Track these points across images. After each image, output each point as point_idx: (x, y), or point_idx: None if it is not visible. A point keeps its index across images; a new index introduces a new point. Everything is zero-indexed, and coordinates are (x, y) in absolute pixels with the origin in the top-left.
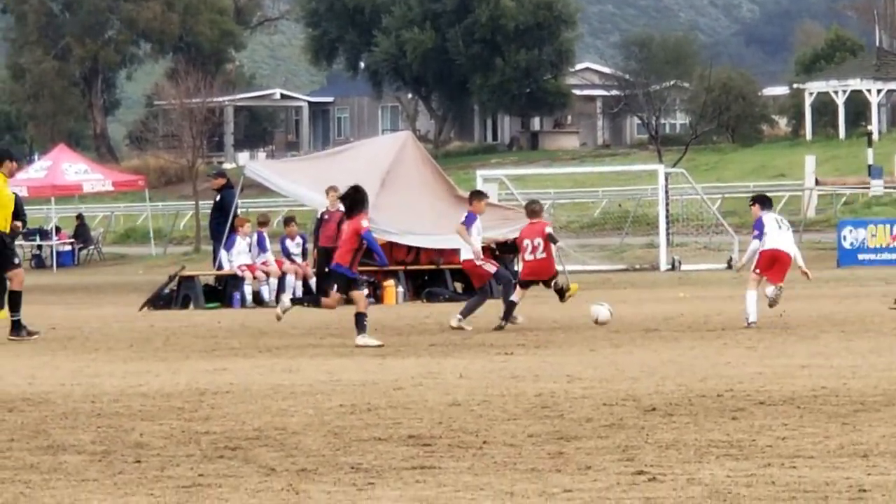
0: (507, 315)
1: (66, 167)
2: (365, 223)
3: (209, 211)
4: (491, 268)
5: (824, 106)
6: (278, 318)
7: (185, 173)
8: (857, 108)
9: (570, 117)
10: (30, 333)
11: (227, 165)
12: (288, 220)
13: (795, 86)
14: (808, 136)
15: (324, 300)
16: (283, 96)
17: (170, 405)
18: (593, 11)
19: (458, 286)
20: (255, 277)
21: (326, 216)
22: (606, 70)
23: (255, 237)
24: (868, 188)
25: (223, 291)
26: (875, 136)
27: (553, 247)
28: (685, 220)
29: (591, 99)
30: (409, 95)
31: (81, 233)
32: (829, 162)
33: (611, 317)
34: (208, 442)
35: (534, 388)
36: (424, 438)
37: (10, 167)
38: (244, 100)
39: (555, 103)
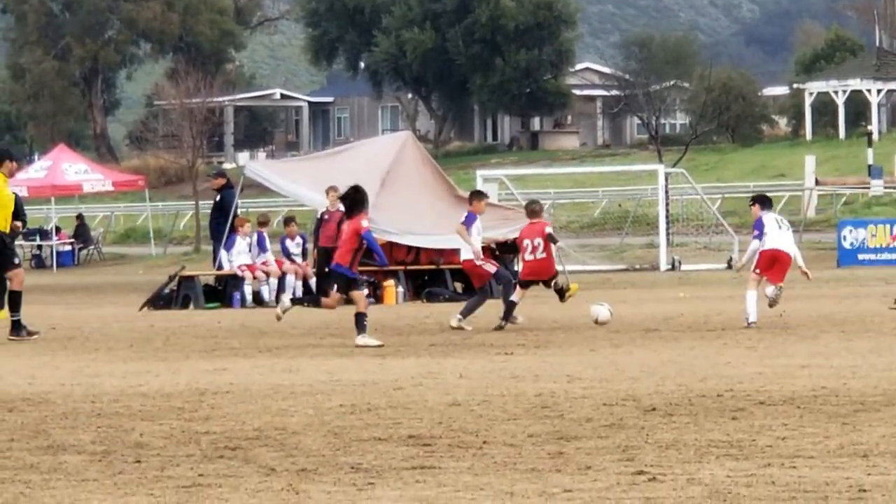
0: (507, 315)
1: (66, 167)
2: (365, 223)
3: (209, 211)
4: (491, 268)
5: (824, 106)
6: (278, 318)
7: (185, 173)
8: (857, 108)
9: (570, 117)
10: (30, 333)
11: (227, 165)
12: (288, 220)
13: (795, 86)
14: (808, 136)
15: (324, 300)
16: (283, 96)
17: (170, 405)
18: (593, 11)
19: (458, 286)
20: (255, 277)
21: (326, 216)
22: (606, 70)
23: (255, 237)
24: (868, 188)
25: (223, 291)
26: (875, 136)
27: (553, 247)
28: (685, 220)
29: (591, 99)
30: (409, 95)
31: (81, 233)
32: (829, 162)
33: (611, 317)
34: (208, 442)
35: (534, 388)
36: (424, 438)
37: (10, 167)
38: (244, 100)
39: (555, 103)
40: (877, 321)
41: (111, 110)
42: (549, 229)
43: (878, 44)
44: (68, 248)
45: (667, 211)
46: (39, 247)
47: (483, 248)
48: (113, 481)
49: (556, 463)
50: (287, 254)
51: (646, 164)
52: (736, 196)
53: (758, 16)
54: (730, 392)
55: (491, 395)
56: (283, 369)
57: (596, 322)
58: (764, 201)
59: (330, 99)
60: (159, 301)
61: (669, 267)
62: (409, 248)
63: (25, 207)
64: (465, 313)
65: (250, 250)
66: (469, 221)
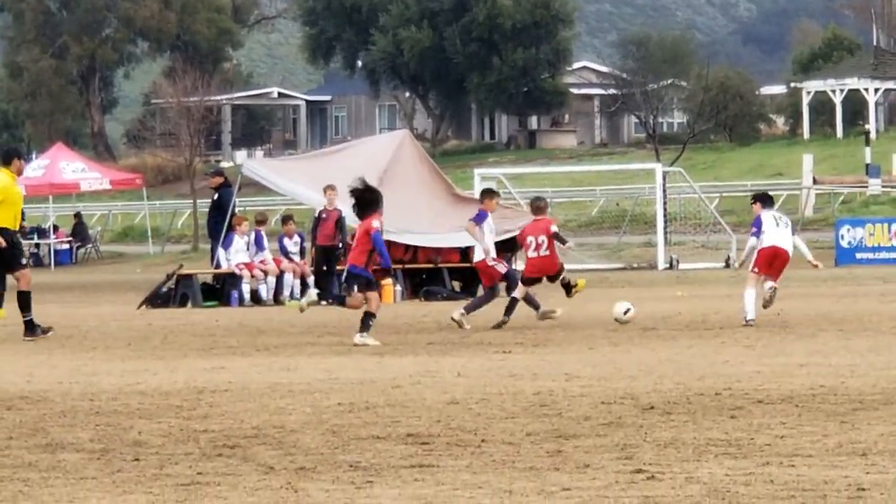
0: (509, 311)
1: (64, 166)
2: (376, 223)
3: (207, 209)
4: (502, 268)
5: (822, 105)
6: (301, 310)
7: (183, 172)
8: (855, 106)
9: (567, 116)
10: (44, 331)
11: (224, 164)
12: (286, 219)
13: (793, 85)
14: (806, 135)
15: (348, 301)
16: (280, 95)
17: (168, 403)
18: (590, 10)
19: (456, 285)
20: (252, 276)
21: (324, 215)
22: (604, 69)
23: (252, 236)
24: (866, 187)
25: (221, 290)
26: (872, 135)
27: (557, 244)
28: (683, 218)
29: (589, 98)
30: (407, 94)
31: (79, 231)
32: (827, 161)
33: (630, 316)
34: (207, 440)
35: (532, 387)
36: (423, 437)
37: (18, 165)
38: (242, 98)
39: (552, 102)
40: (875, 320)
41: (109, 109)
42: (554, 228)
43: (875, 43)
44: (66, 246)
45: (664, 210)
46: (37, 245)
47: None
48: (111, 479)
49: (555, 461)
50: (285, 252)
51: (643, 163)
52: (733, 195)
53: (755, 15)
54: (728, 390)
55: (489, 393)
56: (282, 368)
57: (618, 321)
58: (765, 199)
59: (327, 97)
60: (157, 299)
61: (667, 266)
62: (407, 246)
63: (23, 206)
64: (470, 309)
65: (248, 249)
66: (480, 219)
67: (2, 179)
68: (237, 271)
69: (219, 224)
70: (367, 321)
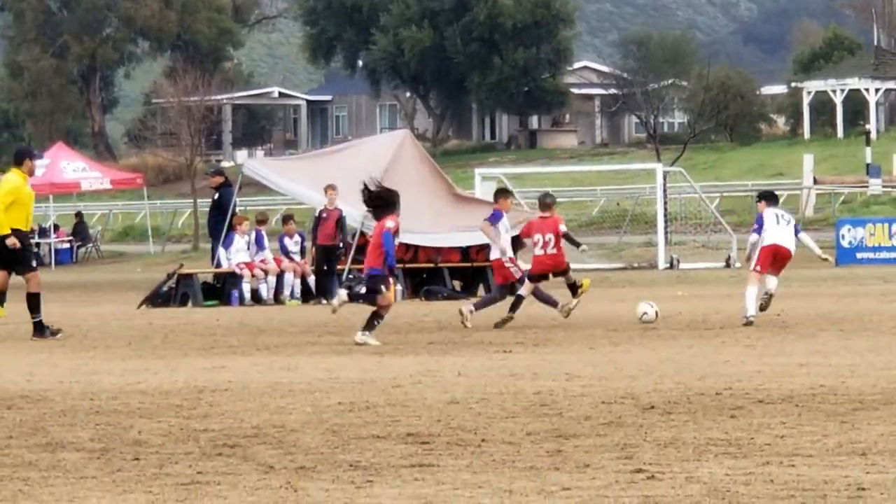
0: (515, 307)
1: (65, 165)
2: (390, 223)
3: (207, 209)
4: (517, 272)
5: (822, 105)
6: (333, 311)
7: (184, 171)
8: (856, 106)
9: (568, 116)
10: (53, 333)
11: (225, 164)
12: (286, 219)
13: (793, 85)
14: (807, 134)
15: (380, 300)
16: (281, 94)
17: (168, 403)
18: (591, 10)
19: (457, 284)
20: (253, 275)
21: (325, 214)
22: (604, 69)
23: (253, 235)
24: (866, 187)
25: (221, 289)
26: (873, 135)
27: (570, 246)
28: (683, 218)
29: (590, 97)
30: (408, 94)
31: (80, 231)
32: (828, 161)
33: (653, 317)
34: (207, 440)
35: (532, 386)
36: (423, 436)
37: (30, 166)
38: (242, 98)
39: (553, 102)
40: (875, 320)
41: (109, 108)
42: (564, 228)
43: (876, 43)
44: (66, 246)
45: (665, 209)
46: (38, 245)
47: (482, 245)
48: (111, 479)
49: (555, 461)
50: (285, 252)
51: (644, 163)
52: (734, 195)
53: (756, 14)
54: (728, 390)
55: (489, 393)
56: (282, 367)
57: (641, 321)
58: (769, 197)
59: (328, 97)
60: (158, 299)
61: (668, 265)
62: (408, 246)
63: None
64: (480, 307)
65: (249, 248)
66: (495, 219)
67: (13, 180)
68: (238, 271)
69: (219, 223)
70: (373, 321)
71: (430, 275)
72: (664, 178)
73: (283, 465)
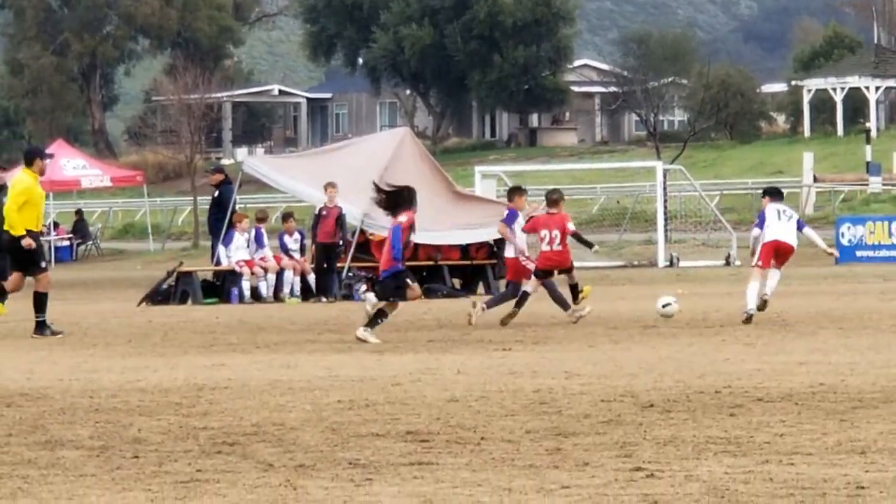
0: (521, 303)
1: (65, 163)
2: (402, 218)
3: (207, 207)
4: (532, 266)
5: (822, 103)
6: (367, 314)
7: (184, 169)
8: (856, 105)
9: (568, 114)
10: (54, 333)
11: (225, 161)
12: (286, 216)
13: (794, 83)
14: (807, 133)
15: (409, 293)
16: (281, 92)
17: (168, 400)
18: (591, 8)
19: (457, 282)
20: (253, 273)
21: (324, 212)
22: (605, 67)
23: (253, 233)
24: (866, 185)
25: (221, 287)
26: (873, 133)
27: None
28: (683, 216)
29: (590, 95)
30: (408, 92)
31: (80, 228)
32: (828, 159)
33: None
34: (206, 437)
35: (532, 385)
36: (422, 434)
37: (40, 166)
38: (242, 96)
39: (553, 100)
40: (875, 318)
41: (109, 106)
42: (572, 226)
43: (876, 41)
44: (66, 243)
45: (665, 207)
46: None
47: (482, 243)
48: (111, 476)
49: (554, 459)
50: (285, 250)
51: (644, 161)
52: (734, 193)
53: (756, 12)
54: (728, 389)
55: (489, 391)
56: (282, 365)
57: (663, 315)
58: (773, 193)
59: (328, 95)
60: (157, 297)
61: (668, 263)
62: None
63: None
64: (492, 305)
65: (248, 246)
66: (511, 219)
67: (25, 181)
68: (237, 268)
69: (219, 221)
70: (377, 319)
71: (430, 273)
72: (664, 176)
73: (282, 463)
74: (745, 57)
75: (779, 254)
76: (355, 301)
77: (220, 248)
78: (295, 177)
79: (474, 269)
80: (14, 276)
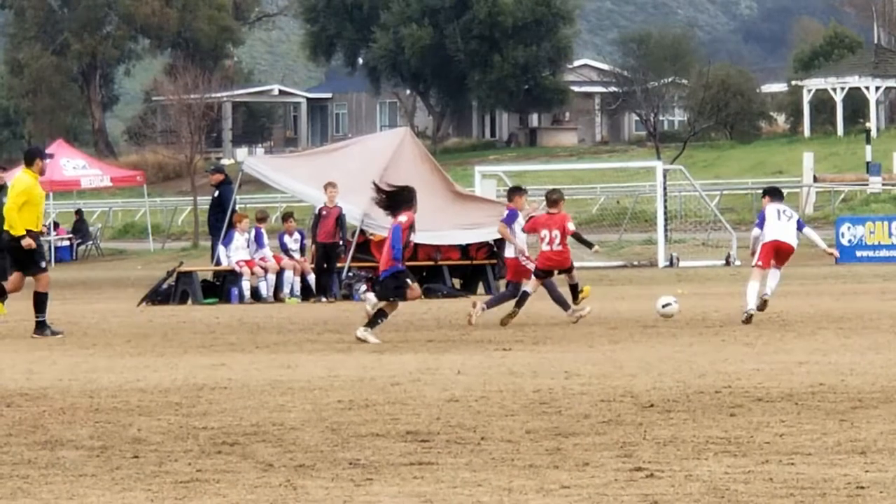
0: (521, 303)
1: (65, 162)
2: (403, 218)
3: (207, 207)
4: (532, 266)
5: (822, 103)
6: (368, 315)
7: (184, 169)
8: (856, 105)
9: (568, 114)
10: (54, 333)
11: (225, 161)
12: (286, 216)
13: (794, 83)
14: (807, 133)
15: (409, 293)
16: (281, 92)
17: (167, 400)
18: (591, 8)
19: (456, 282)
20: (253, 273)
21: (324, 212)
22: (605, 67)
23: (253, 233)
24: (866, 185)
25: (221, 287)
26: (873, 133)
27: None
28: (683, 216)
29: (590, 95)
30: (408, 92)
31: (80, 228)
32: (828, 159)
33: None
34: (206, 437)
35: (532, 385)
36: (422, 434)
37: (40, 165)
38: (242, 96)
39: (553, 100)
40: (875, 318)
41: (109, 106)
42: (572, 227)
43: (876, 41)
44: (66, 243)
45: (665, 207)
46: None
47: (482, 243)
48: (111, 476)
49: (554, 459)
50: (285, 250)
51: (644, 161)
52: (734, 193)
53: (756, 13)
54: (728, 388)
55: (489, 391)
56: (281, 365)
57: (663, 315)
58: (773, 193)
59: (328, 95)
60: (157, 296)
61: (667, 263)
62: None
63: None
64: (491, 304)
65: (248, 246)
66: (511, 220)
67: (25, 181)
68: (237, 268)
69: (219, 221)
70: (377, 319)
71: (430, 273)
72: (664, 176)
73: (282, 463)
74: (745, 57)
75: (779, 254)
76: (355, 301)
77: (220, 248)
78: (295, 177)
79: (474, 269)
80: (14, 276)
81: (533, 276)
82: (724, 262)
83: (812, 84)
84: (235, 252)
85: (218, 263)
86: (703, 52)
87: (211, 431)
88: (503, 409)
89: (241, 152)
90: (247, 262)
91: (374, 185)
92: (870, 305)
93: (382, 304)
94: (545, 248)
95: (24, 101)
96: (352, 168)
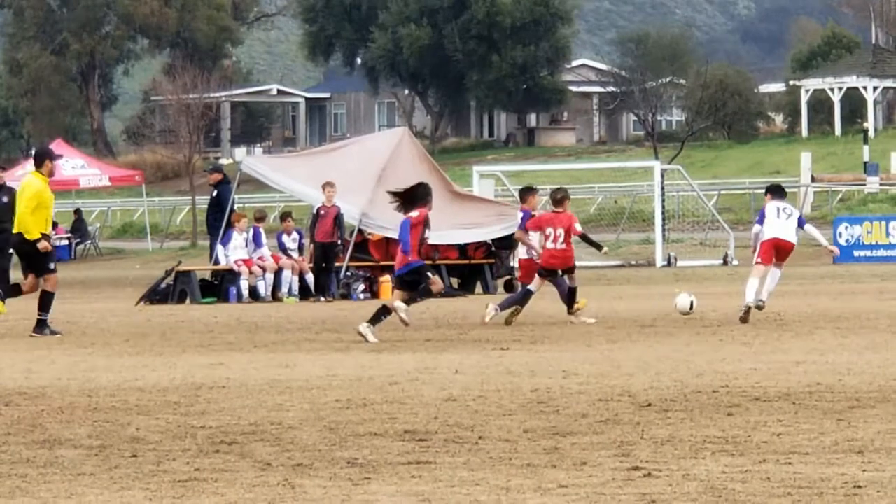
0: (524, 301)
1: (63, 162)
2: (414, 213)
3: (206, 206)
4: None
5: (820, 103)
6: (407, 325)
7: (182, 169)
8: (853, 105)
9: (566, 114)
10: (53, 333)
11: (223, 161)
12: (284, 216)
13: (791, 83)
14: (805, 132)
15: (433, 288)
16: (279, 92)
17: (166, 400)
18: (590, 8)
19: (455, 281)
20: (251, 272)
21: (323, 212)
22: (603, 67)
23: (251, 232)
24: (864, 185)
25: (219, 286)
26: (871, 133)
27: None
28: (681, 216)
29: (588, 95)
30: (406, 91)
31: (79, 228)
32: (825, 159)
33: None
34: (204, 436)
35: (529, 384)
36: (420, 433)
37: (49, 167)
38: (241, 95)
39: (551, 100)
40: (872, 317)
41: (108, 106)
42: (579, 227)
43: (874, 41)
44: (65, 242)
45: (663, 207)
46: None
47: (480, 243)
48: (109, 475)
49: (552, 458)
50: (283, 249)
51: (642, 161)
52: (732, 192)
53: (754, 13)
54: (725, 388)
55: (487, 390)
56: (280, 364)
57: (682, 312)
58: (775, 191)
59: (326, 95)
60: (156, 296)
61: (665, 263)
62: None
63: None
64: (504, 306)
65: (247, 245)
66: (525, 222)
67: (35, 184)
68: (236, 268)
69: (217, 221)
70: (380, 316)
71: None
72: (662, 176)
73: (280, 463)
74: (742, 57)
75: (779, 251)
76: (353, 301)
77: (219, 248)
78: (293, 176)
79: (472, 269)
80: (30, 279)
81: (537, 276)
82: (721, 261)
83: (810, 84)
84: (234, 251)
85: (216, 263)
86: (701, 52)
87: (209, 430)
88: (501, 409)
89: (240, 152)
90: (245, 261)
91: (390, 193)
92: (867, 305)
93: (408, 308)
94: (549, 245)
95: (22, 100)
96: (350, 168)
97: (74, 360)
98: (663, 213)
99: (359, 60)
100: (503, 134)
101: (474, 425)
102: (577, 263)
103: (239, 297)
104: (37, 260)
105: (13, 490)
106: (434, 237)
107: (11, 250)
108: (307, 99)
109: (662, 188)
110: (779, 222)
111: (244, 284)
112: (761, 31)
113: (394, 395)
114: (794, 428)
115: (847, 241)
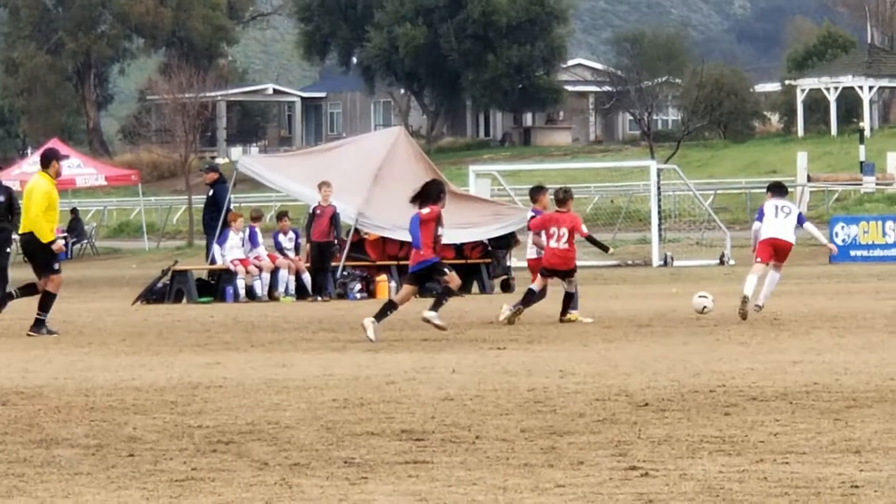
0: (527, 301)
1: None
2: (425, 210)
3: (202, 206)
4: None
5: (816, 103)
6: (444, 329)
7: (178, 168)
8: (849, 104)
9: (562, 113)
10: (50, 333)
11: (219, 160)
12: (281, 215)
13: (787, 82)
14: (800, 132)
15: (451, 283)
16: (275, 91)
17: (163, 399)
18: (585, 7)
19: None
20: (247, 272)
21: (319, 211)
22: (598, 66)
23: (247, 232)
24: (860, 185)
25: (216, 286)
26: (867, 133)
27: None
28: (677, 216)
29: (584, 95)
30: (402, 91)
31: (75, 227)
32: (821, 158)
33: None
34: (201, 436)
35: (526, 383)
36: (417, 433)
37: (56, 168)
38: (237, 95)
39: (547, 99)
40: (869, 317)
41: (104, 105)
42: (585, 229)
43: (869, 40)
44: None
45: (659, 207)
46: None
47: (477, 242)
48: (106, 475)
49: (549, 458)
50: (280, 249)
51: (638, 160)
52: (728, 192)
53: (749, 12)
54: (722, 388)
55: (483, 389)
56: (276, 364)
57: (701, 312)
58: (775, 189)
59: (322, 94)
60: (152, 295)
61: (662, 263)
62: (402, 243)
63: (20, 202)
64: (525, 305)
65: (243, 245)
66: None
67: (43, 185)
68: (232, 267)
69: (214, 220)
70: (386, 311)
71: None
72: (658, 176)
73: (277, 462)
74: (738, 56)
75: (777, 251)
76: (350, 300)
77: (215, 247)
78: (289, 176)
79: (468, 269)
80: (43, 279)
81: (539, 275)
82: (718, 261)
83: (805, 84)
84: (230, 251)
85: (213, 262)
86: (697, 52)
87: (206, 430)
88: (498, 408)
89: (236, 151)
90: (241, 260)
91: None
92: (864, 305)
93: (437, 310)
94: (552, 244)
95: (18, 100)
96: (346, 167)
97: (71, 359)
98: (659, 212)
99: (354, 60)
100: (499, 133)
101: (471, 425)
102: (577, 263)
103: (235, 297)
104: (42, 260)
105: (10, 490)
106: None
107: (9, 249)
108: (303, 98)
109: (658, 188)
110: (776, 221)
111: (241, 284)
112: (757, 30)
113: (391, 395)
114: (791, 427)
115: (843, 240)
